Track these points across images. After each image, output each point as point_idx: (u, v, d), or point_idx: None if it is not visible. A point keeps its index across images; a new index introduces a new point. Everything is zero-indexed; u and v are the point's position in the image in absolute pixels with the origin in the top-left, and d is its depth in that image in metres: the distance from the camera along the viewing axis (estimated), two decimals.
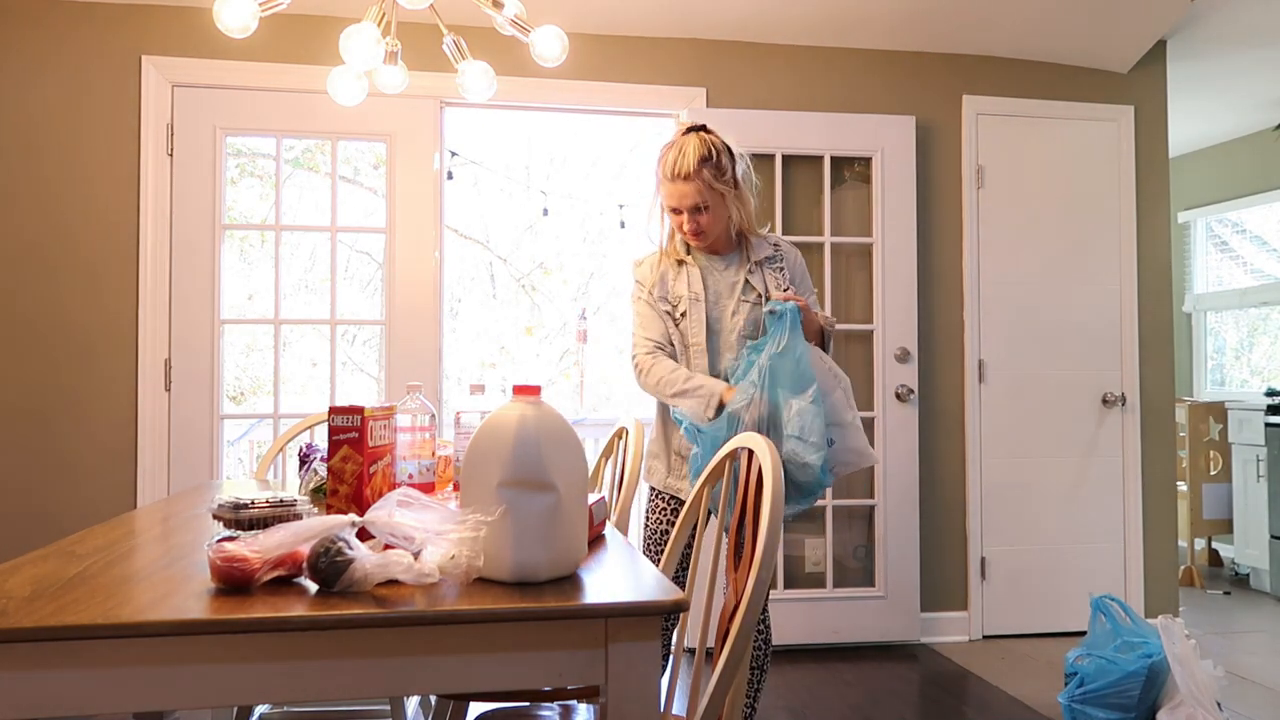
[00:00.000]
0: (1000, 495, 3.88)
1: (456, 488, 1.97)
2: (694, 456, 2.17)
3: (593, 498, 1.53)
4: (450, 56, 2.39)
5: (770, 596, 3.64)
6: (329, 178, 3.58)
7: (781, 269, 2.36)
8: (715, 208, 2.26)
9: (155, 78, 3.37)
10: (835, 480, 2.32)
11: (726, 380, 2.24)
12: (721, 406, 2.14)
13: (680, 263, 2.36)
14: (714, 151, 2.23)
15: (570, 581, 1.23)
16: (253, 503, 1.36)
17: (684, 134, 2.27)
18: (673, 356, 2.31)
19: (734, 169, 2.28)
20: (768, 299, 2.30)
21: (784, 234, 3.75)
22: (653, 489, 2.37)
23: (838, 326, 3.77)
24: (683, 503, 2.31)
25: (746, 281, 2.33)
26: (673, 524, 2.31)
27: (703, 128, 2.29)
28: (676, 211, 2.27)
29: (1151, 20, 3.70)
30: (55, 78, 3.34)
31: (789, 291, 2.32)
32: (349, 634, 1.08)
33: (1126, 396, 3.96)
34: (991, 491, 3.88)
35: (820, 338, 2.30)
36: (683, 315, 2.32)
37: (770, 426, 2.09)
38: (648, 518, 2.35)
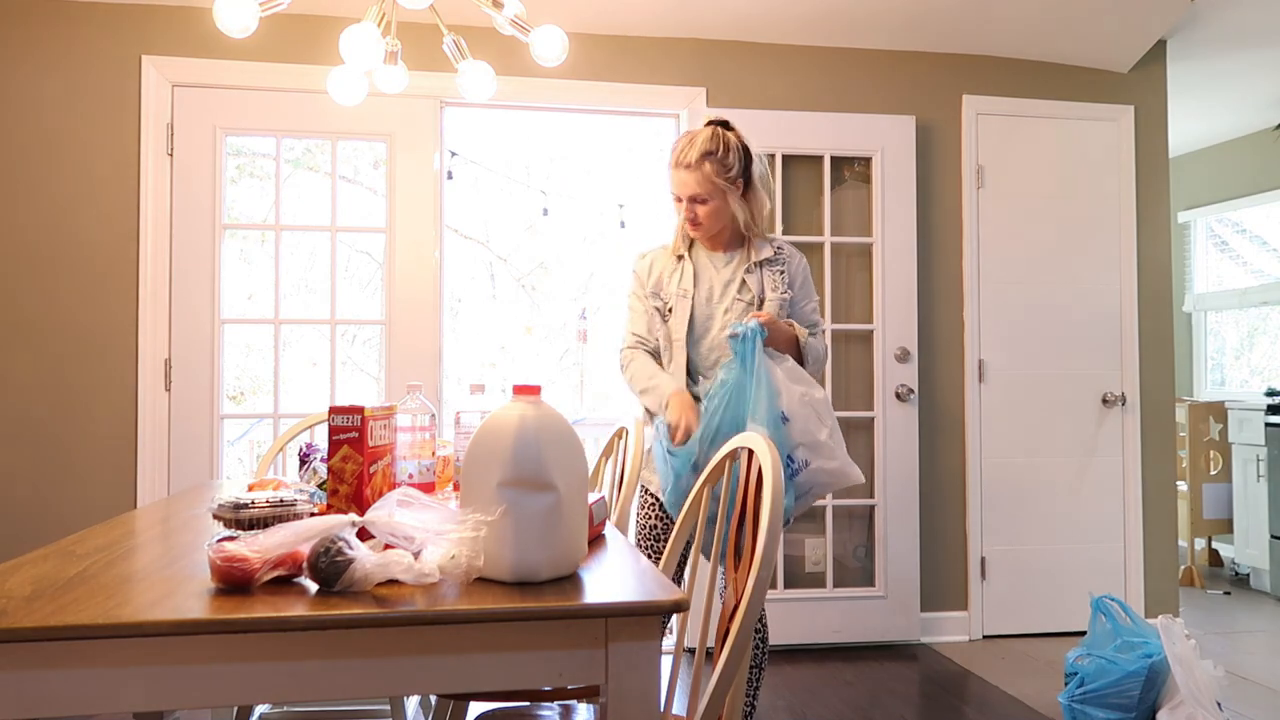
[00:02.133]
0: (1000, 495, 3.88)
1: (456, 488, 1.97)
2: (664, 476, 2.17)
3: (592, 497, 1.53)
4: (450, 56, 2.39)
5: (769, 596, 3.64)
6: (329, 178, 3.58)
7: (782, 272, 2.35)
8: (715, 201, 2.27)
9: (155, 78, 3.37)
10: (825, 495, 2.33)
11: (701, 376, 2.27)
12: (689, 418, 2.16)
13: (679, 258, 2.38)
14: (722, 146, 2.26)
15: (570, 581, 1.23)
16: (253, 503, 1.36)
17: (704, 126, 2.31)
18: (656, 352, 2.35)
19: (745, 168, 2.30)
20: (763, 302, 2.31)
21: (784, 234, 3.75)
22: (640, 486, 2.39)
23: (837, 327, 3.77)
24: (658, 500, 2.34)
25: (743, 281, 2.33)
26: (659, 519, 2.34)
27: (724, 123, 2.32)
28: (678, 199, 2.31)
29: (1151, 20, 3.70)
30: (55, 78, 3.34)
31: (783, 295, 2.33)
32: (349, 634, 1.08)
33: (1126, 396, 3.96)
34: (991, 491, 3.88)
35: (795, 347, 2.29)
36: (670, 311, 2.34)
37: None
38: (636, 514, 2.38)
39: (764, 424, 2.06)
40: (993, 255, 3.91)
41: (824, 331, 2.46)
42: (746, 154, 2.31)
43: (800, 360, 2.31)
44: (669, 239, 2.45)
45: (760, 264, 2.34)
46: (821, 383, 3.71)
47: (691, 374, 2.33)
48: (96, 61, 3.36)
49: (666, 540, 2.32)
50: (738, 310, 2.31)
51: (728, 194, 2.28)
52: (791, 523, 2.29)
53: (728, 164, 2.26)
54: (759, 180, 2.34)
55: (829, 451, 2.15)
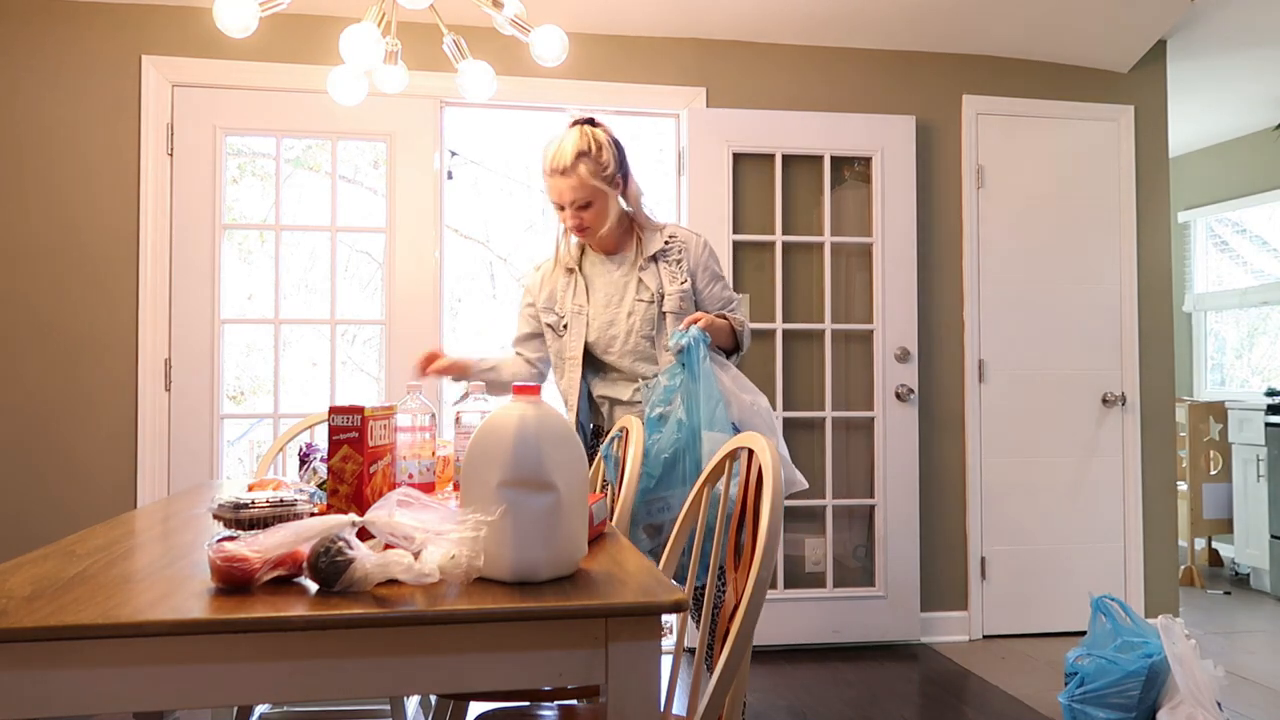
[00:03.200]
0: (1000, 495, 3.88)
1: (456, 488, 1.97)
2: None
3: (592, 498, 1.53)
4: (450, 56, 2.39)
5: (769, 596, 3.64)
6: (329, 177, 3.58)
7: (679, 261, 2.29)
8: (598, 203, 2.22)
9: (155, 78, 3.37)
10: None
11: (612, 384, 2.30)
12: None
13: (570, 271, 2.34)
14: (593, 145, 2.20)
15: (570, 581, 1.23)
16: (253, 503, 1.36)
17: (569, 127, 2.24)
18: (531, 362, 2.41)
19: (618, 164, 2.25)
20: (663, 296, 2.26)
21: (784, 234, 3.75)
22: None
23: (837, 327, 3.77)
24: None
25: (640, 280, 2.28)
26: None
27: (591, 121, 2.25)
28: (559, 208, 2.25)
29: (1151, 20, 3.70)
30: (55, 78, 3.34)
31: (683, 285, 2.27)
32: (349, 634, 1.08)
33: (1126, 396, 3.96)
34: (991, 491, 3.88)
35: (733, 337, 2.26)
36: (565, 328, 2.30)
37: (692, 464, 2.06)
38: None
39: (722, 431, 2.03)
40: (993, 255, 3.91)
41: (741, 302, 2.42)
42: (619, 149, 2.25)
43: (738, 346, 2.29)
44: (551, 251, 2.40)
45: (654, 258, 2.29)
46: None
47: (592, 390, 2.33)
48: (96, 61, 3.36)
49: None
50: (640, 312, 2.26)
51: (608, 193, 2.23)
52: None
53: (603, 162, 2.20)
54: (633, 171, 2.29)
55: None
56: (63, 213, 3.33)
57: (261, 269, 5.44)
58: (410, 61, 3.31)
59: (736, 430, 2.07)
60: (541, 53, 2.32)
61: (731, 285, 2.42)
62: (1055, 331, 3.94)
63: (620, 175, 2.26)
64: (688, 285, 2.28)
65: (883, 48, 3.86)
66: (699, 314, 2.18)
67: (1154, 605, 3.92)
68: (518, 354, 2.45)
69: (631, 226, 2.33)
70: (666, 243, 2.31)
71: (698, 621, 1.92)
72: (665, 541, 2.07)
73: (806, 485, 2.21)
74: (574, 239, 2.35)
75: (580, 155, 2.19)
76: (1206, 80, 4.46)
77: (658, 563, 1.70)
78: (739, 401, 2.12)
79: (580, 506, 1.26)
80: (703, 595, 2.00)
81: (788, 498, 3.66)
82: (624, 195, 2.29)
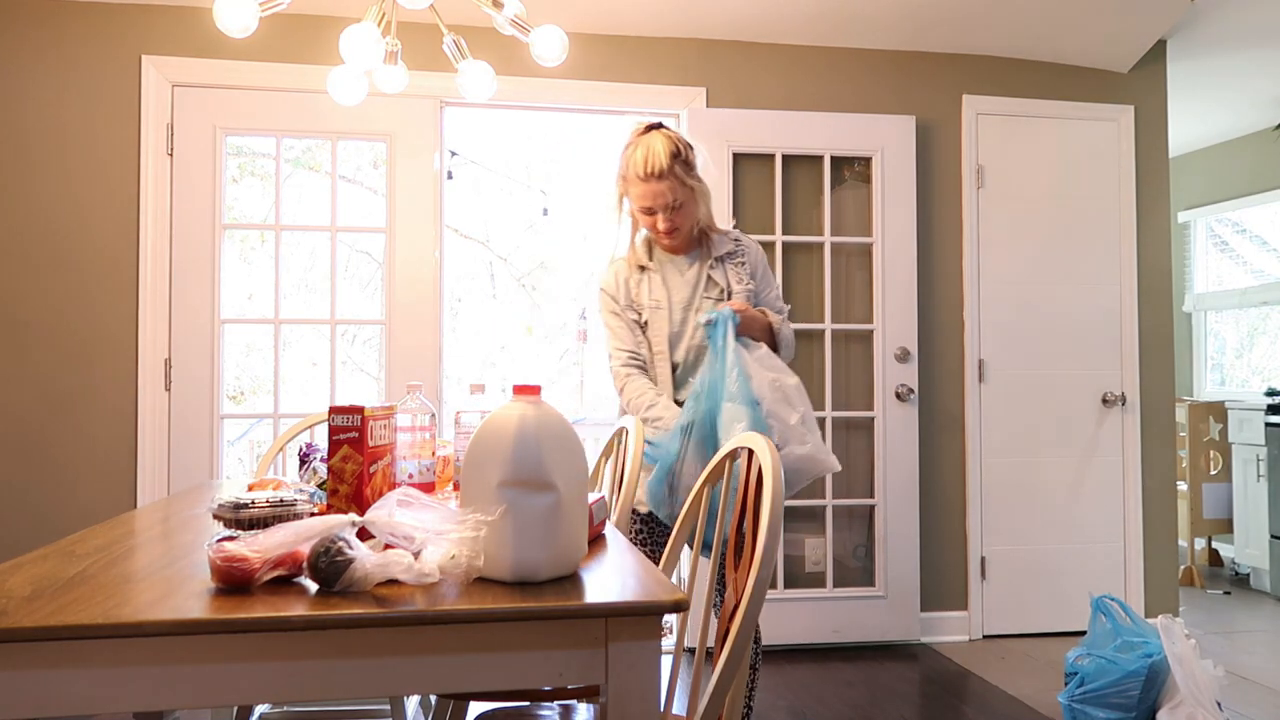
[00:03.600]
0: (1000, 495, 3.88)
1: (456, 488, 1.97)
2: (650, 481, 2.16)
3: (592, 497, 1.53)
4: (450, 56, 2.39)
5: (769, 595, 3.64)
6: (329, 177, 3.58)
7: (743, 263, 2.33)
8: (687, 204, 2.25)
9: (155, 78, 3.37)
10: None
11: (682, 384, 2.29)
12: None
13: (642, 268, 2.35)
14: (681, 148, 2.23)
15: (570, 581, 1.23)
16: (253, 503, 1.36)
17: (644, 133, 2.26)
18: (644, 364, 2.32)
19: (697, 164, 2.28)
20: (730, 295, 2.30)
21: (784, 234, 3.75)
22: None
23: (837, 326, 3.77)
24: (639, 515, 2.32)
25: (709, 278, 2.32)
26: (639, 537, 2.32)
27: (660, 125, 2.28)
28: (649, 212, 2.25)
29: (1151, 20, 3.70)
30: (55, 78, 3.34)
31: (748, 285, 2.31)
32: (349, 634, 1.08)
33: (1126, 396, 3.96)
34: (991, 491, 3.88)
35: (769, 334, 2.28)
36: (646, 324, 2.32)
37: (710, 441, 2.07)
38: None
39: (741, 404, 2.05)
40: (993, 255, 3.91)
41: (788, 315, 2.43)
42: (692, 149, 2.28)
43: (775, 347, 2.29)
44: (622, 252, 2.39)
45: (722, 258, 2.33)
46: (812, 376, 3.73)
47: (676, 382, 2.33)
48: (96, 61, 3.36)
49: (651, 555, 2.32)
50: (708, 309, 2.28)
51: (695, 192, 2.25)
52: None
53: (691, 162, 2.24)
54: (703, 172, 2.31)
55: (799, 436, 2.10)
56: (63, 212, 3.33)
57: (261, 269, 5.44)
58: (410, 61, 3.32)
59: (756, 405, 2.08)
60: (541, 53, 2.32)
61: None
62: (1055, 331, 3.94)
63: (698, 174, 2.28)
64: (752, 286, 2.32)
65: (883, 48, 3.86)
66: (738, 301, 2.22)
67: (1154, 605, 3.92)
68: (639, 368, 2.34)
69: (702, 228, 2.35)
70: (735, 245, 2.35)
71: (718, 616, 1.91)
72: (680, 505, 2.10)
73: (838, 468, 2.21)
74: (638, 238, 2.36)
75: (674, 157, 2.20)
76: (1206, 80, 4.46)
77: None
78: (760, 378, 2.12)
79: (580, 506, 1.26)
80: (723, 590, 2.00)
81: (793, 496, 3.68)
82: (703, 194, 2.31)
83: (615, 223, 2.38)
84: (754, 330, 2.22)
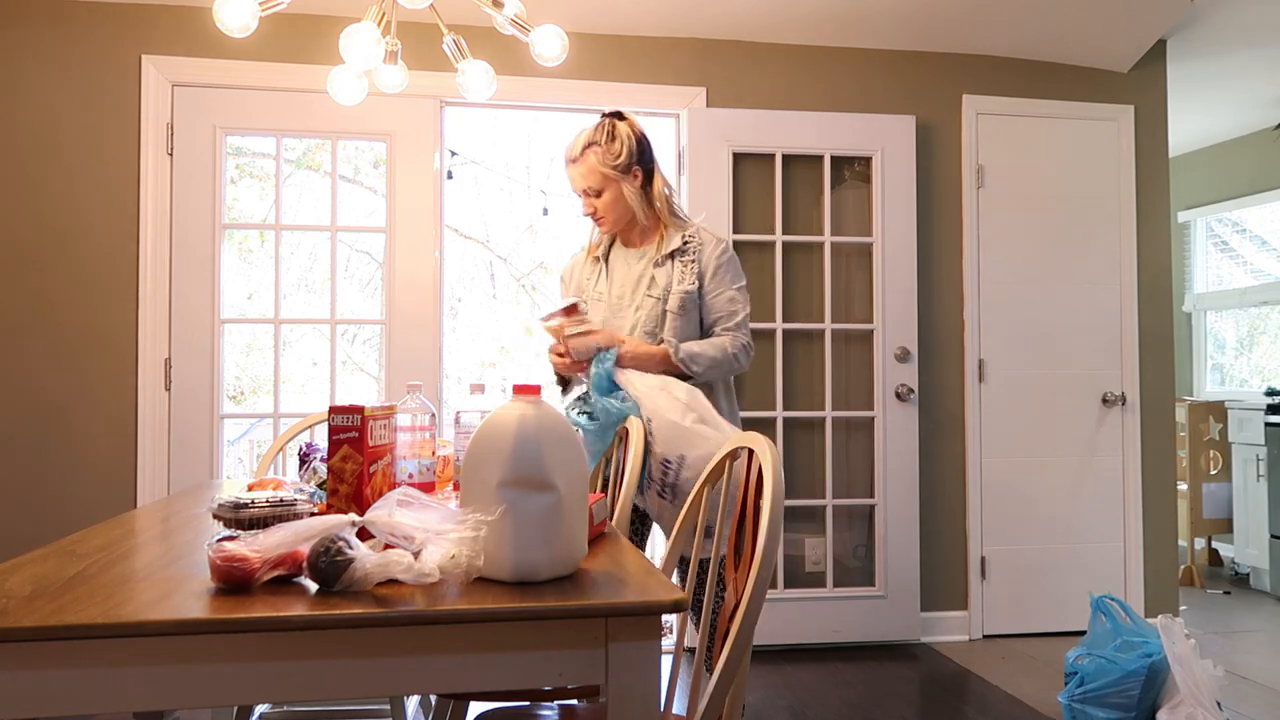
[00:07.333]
0: (1000, 495, 3.88)
1: (456, 488, 1.97)
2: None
3: (592, 497, 1.53)
4: (450, 56, 2.39)
5: (769, 595, 3.64)
6: (329, 177, 3.58)
7: (692, 262, 2.28)
8: (609, 192, 2.28)
9: (155, 77, 3.37)
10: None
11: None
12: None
13: (596, 260, 2.41)
14: (606, 136, 2.26)
15: (570, 581, 1.22)
16: (253, 503, 1.36)
17: (600, 120, 2.32)
18: None
19: (635, 156, 2.27)
20: (669, 294, 2.27)
21: (784, 234, 3.75)
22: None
23: (837, 326, 3.77)
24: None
25: (653, 277, 2.30)
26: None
27: (617, 114, 2.31)
28: (580, 196, 2.33)
29: (1151, 20, 3.70)
30: (55, 78, 3.34)
31: (689, 286, 2.26)
32: (349, 634, 1.08)
33: (1126, 396, 3.96)
34: (991, 491, 3.88)
35: (666, 364, 2.19)
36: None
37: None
38: None
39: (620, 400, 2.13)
40: (993, 255, 3.91)
41: (742, 323, 2.29)
42: (640, 142, 2.28)
43: (683, 375, 2.19)
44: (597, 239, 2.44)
45: (670, 255, 2.30)
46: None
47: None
48: (96, 61, 3.36)
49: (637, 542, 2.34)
50: (647, 308, 2.28)
51: (621, 183, 2.27)
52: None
53: (614, 151, 2.25)
54: (657, 167, 2.33)
55: (689, 439, 2.02)
56: (63, 212, 3.33)
57: (261, 269, 5.44)
58: (410, 61, 3.32)
59: (651, 424, 2.08)
60: (541, 52, 2.32)
61: (745, 297, 2.34)
62: (1055, 331, 3.94)
63: (638, 167, 2.29)
64: (694, 287, 2.27)
65: (883, 47, 3.86)
66: (626, 338, 2.22)
67: (1154, 605, 3.92)
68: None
69: (659, 223, 2.35)
70: (685, 241, 2.31)
71: (697, 623, 1.93)
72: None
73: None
74: (598, 230, 2.40)
75: (590, 144, 2.27)
76: (1206, 80, 4.46)
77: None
78: (649, 397, 2.10)
79: (580, 506, 1.26)
80: (703, 595, 2.00)
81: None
82: (646, 189, 2.31)
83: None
84: (646, 366, 2.17)
